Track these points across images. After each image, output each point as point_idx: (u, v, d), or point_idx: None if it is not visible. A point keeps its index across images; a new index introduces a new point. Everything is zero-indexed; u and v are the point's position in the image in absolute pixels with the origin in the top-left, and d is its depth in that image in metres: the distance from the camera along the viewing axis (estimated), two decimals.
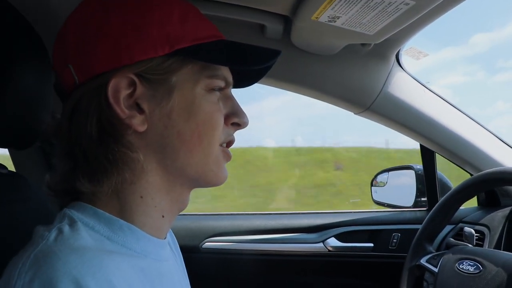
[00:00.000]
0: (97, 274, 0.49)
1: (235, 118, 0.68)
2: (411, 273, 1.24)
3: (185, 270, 0.86)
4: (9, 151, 1.45)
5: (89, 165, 0.60)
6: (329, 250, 1.64)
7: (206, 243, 1.71)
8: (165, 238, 0.70)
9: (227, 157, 0.69)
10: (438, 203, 1.24)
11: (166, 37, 0.60)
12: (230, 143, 0.71)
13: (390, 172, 1.89)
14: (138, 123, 0.60)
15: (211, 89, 0.65)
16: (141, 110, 0.61)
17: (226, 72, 0.67)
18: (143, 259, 0.61)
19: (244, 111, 0.70)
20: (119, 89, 0.59)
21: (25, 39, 0.76)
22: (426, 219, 1.26)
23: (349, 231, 1.66)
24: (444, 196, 1.23)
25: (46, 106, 0.79)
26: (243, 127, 0.71)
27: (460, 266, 1.06)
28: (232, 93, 0.72)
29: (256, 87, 0.84)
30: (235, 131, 0.71)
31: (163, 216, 0.66)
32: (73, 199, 0.63)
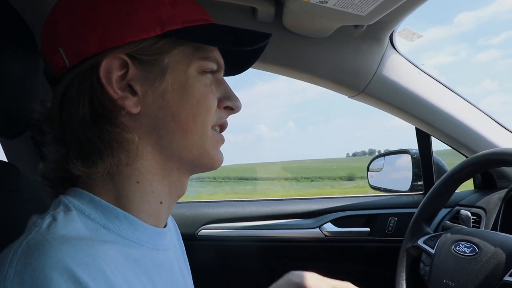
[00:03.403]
0: (90, 264, 0.48)
1: (228, 102, 0.68)
2: (408, 254, 1.24)
3: (186, 258, 0.86)
4: (0, 141, 1.43)
5: (83, 148, 0.59)
6: (325, 235, 1.64)
7: (202, 231, 1.71)
8: (165, 227, 0.69)
9: (221, 140, 0.69)
10: (436, 184, 1.24)
11: (158, 19, 0.60)
12: (222, 127, 0.71)
13: (386, 157, 1.89)
14: (131, 104, 0.60)
15: (203, 72, 0.64)
16: (134, 92, 0.60)
17: (217, 54, 0.68)
18: (139, 248, 0.61)
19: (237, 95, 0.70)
20: (111, 70, 0.59)
21: (11, 26, 0.74)
22: (424, 199, 1.26)
23: (345, 216, 1.66)
24: (443, 176, 1.22)
25: (35, 95, 0.79)
26: (236, 111, 0.71)
27: (457, 248, 1.06)
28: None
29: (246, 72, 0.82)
30: (228, 115, 0.71)
31: (161, 202, 0.65)
32: (68, 186, 0.62)
